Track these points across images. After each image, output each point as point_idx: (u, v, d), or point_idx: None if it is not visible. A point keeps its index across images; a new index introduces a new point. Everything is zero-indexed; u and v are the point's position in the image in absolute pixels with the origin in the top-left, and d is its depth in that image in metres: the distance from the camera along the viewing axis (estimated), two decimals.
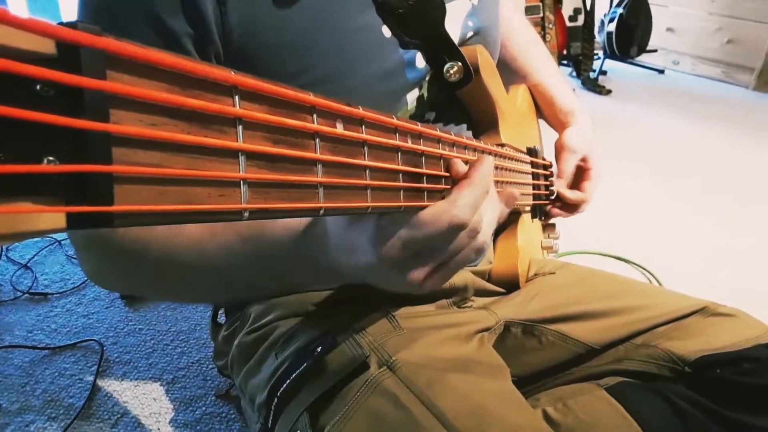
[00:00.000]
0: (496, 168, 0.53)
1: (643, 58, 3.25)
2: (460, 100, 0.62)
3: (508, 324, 0.64)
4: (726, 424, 0.53)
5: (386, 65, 0.52)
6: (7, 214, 0.15)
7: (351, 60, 0.50)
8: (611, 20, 2.97)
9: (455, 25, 0.59)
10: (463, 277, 0.64)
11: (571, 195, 0.79)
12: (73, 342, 1.17)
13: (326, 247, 0.41)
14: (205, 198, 0.21)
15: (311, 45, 0.48)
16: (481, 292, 0.67)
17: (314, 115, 0.26)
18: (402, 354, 0.51)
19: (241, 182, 0.22)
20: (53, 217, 0.17)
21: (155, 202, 0.19)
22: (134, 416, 1.00)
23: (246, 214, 0.23)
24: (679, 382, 0.57)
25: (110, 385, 1.07)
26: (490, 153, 0.50)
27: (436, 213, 0.36)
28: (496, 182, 0.52)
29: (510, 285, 0.69)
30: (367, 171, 0.30)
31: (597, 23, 3.02)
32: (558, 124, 0.83)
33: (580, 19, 2.85)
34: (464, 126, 0.64)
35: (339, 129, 0.28)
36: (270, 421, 0.54)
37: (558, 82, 0.83)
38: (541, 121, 0.88)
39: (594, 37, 2.95)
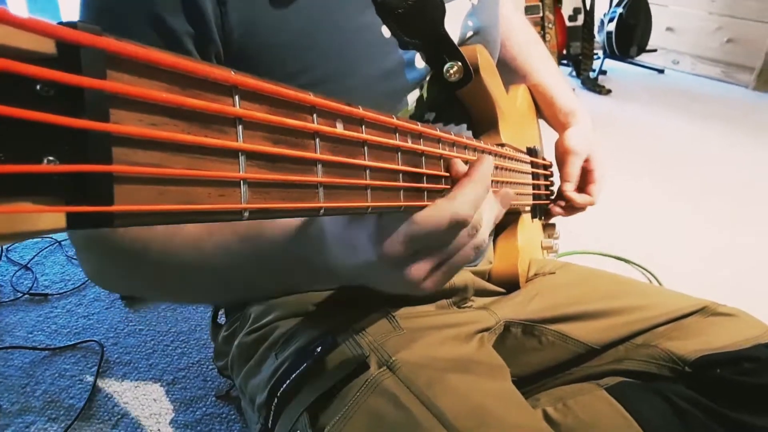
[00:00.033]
0: (496, 168, 0.53)
1: (643, 58, 3.26)
2: (460, 100, 0.62)
3: (508, 324, 0.64)
4: (726, 424, 0.53)
5: (386, 65, 0.52)
6: (7, 214, 0.15)
7: (351, 60, 0.50)
8: (611, 20, 2.97)
9: (455, 25, 0.59)
10: (463, 277, 0.64)
11: (579, 199, 0.79)
12: (73, 343, 1.17)
13: (322, 246, 0.41)
14: (205, 198, 0.21)
15: (310, 45, 0.48)
16: (481, 292, 0.67)
17: (314, 115, 0.26)
18: (402, 354, 0.51)
19: (241, 182, 0.22)
20: (53, 217, 0.17)
21: (155, 202, 0.19)
22: (134, 417, 1.00)
23: (246, 214, 0.23)
24: (679, 382, 0.57)
25: (110, 386, 1.07)
26: (490, 153, 0.50)
27: (438, 209, 0.36)
28: (494, 182, 0.52)
29: (510, 285, 0.69)
30: (367, 171, 0.30)
31: (597, 23, 3.03)
32: (558, 124, 0.83)
33: (580, 19, 2.86)
34: (464, 126, 0.64)
35: (339, 129, 0.28)
36: (270, 422, 0.54)
37: (558, 82, 0.83)
38: (541, 121, 0.88)
39: (594, 36, 2.95)
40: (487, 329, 0.61)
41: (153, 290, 0.57)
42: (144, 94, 0.19)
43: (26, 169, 0.16)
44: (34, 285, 1.36)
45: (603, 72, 3.10)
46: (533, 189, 0.75)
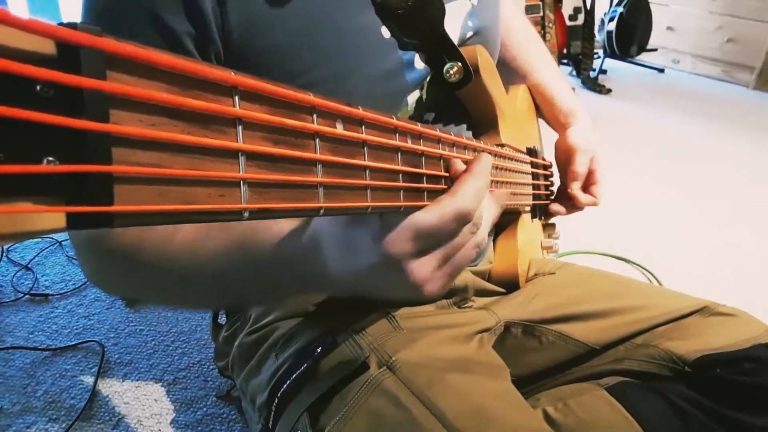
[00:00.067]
0: (496, 168, 0.53)
1: (643, 57, 3.26)
2: (459, 101, 0.62)
3: (509, 324, 0.64)
4: (726, 424, 0.53)
5: (385, 66, 0.52)
6: (7, 214, 0.15)
7: (350, 61, 0.50)
8: (611, 19, 2.97)
9: (455, 25, 0.59)
10: (463, 277, 0.64)
11: (584, 199, 0.78)
12: (74, 343, 1.17)
13: (316, 253, 0.39)
14: (205, 198, 0.21)
15: (310, 45, 0.48)
16: (481, 293, 0.67)
17: (314, 116, 0.26)
18: (402, 354, 0.51)
19: (241, 182, 0.22)
20: (53, 217, 0.17)
21: (155, 202, 0.19)
22: (135, 417, 1.00)
23: (246, 214, 0.23)
24: (679, 382, 0.57)
25: (111, 387, 1.07)
26: (489, 153, 0.50)
27: (442, 205, 0.36)
28: (494, 182, 0.52)
29: (510, 285, 0.69)
30: (367, 171, 0.30)
31: (597, 22, 3.03)
32: (558, 124, 0.83)
33: (580, 18, 2.86)
34: (464, 126, 0.64)
35: (339, 129, 0.28)
36: (271, 422, 0.54)
37: (558, 81, 0.83)
38: (541, 121, 0.88)
39: (594, 36, 2.95)
40: (487, 329, 0.61)
41: (151, 293, 0.57)
42: (144, 94, 0.19)
43: (26, 169, 0.16)
44: (35, 285, 1.36)
45: (603, 71, 3.10)
46: (533, 189, 0.75)
